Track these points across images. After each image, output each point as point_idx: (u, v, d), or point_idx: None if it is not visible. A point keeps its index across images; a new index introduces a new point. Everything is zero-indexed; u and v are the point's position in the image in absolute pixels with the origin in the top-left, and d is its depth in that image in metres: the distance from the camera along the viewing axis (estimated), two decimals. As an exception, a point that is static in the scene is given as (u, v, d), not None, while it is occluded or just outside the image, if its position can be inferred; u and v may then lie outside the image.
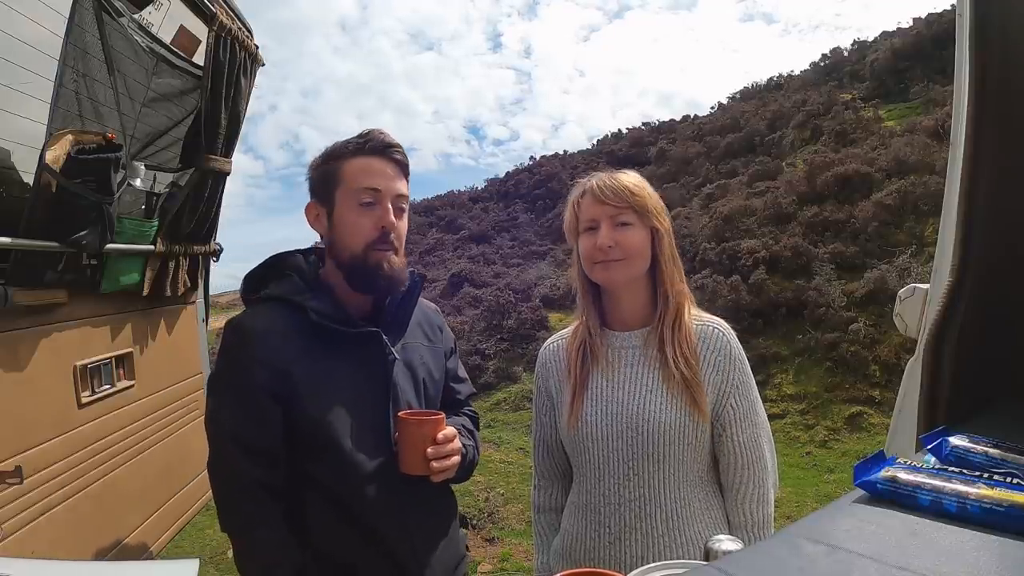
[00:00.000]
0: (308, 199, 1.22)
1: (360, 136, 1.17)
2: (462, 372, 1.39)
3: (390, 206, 1.14)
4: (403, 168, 1.18)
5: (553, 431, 1.29)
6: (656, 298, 1.21)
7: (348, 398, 1.13)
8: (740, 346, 1.21)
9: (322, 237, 1.21)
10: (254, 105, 2.53)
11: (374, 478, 1.12)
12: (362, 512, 1.13)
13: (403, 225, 1.18)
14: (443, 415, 1.15)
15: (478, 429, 1.37)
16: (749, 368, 1.21)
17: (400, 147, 1.18)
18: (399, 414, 1.14)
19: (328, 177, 1.16)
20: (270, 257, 1.24)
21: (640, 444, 1.14)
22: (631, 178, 1.20)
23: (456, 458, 1.15)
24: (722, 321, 1.22)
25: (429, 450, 1.10)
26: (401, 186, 1.17)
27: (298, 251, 1.25)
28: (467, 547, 1.37)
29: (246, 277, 1.24)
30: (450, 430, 1.15)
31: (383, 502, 1.13)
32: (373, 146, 1.15)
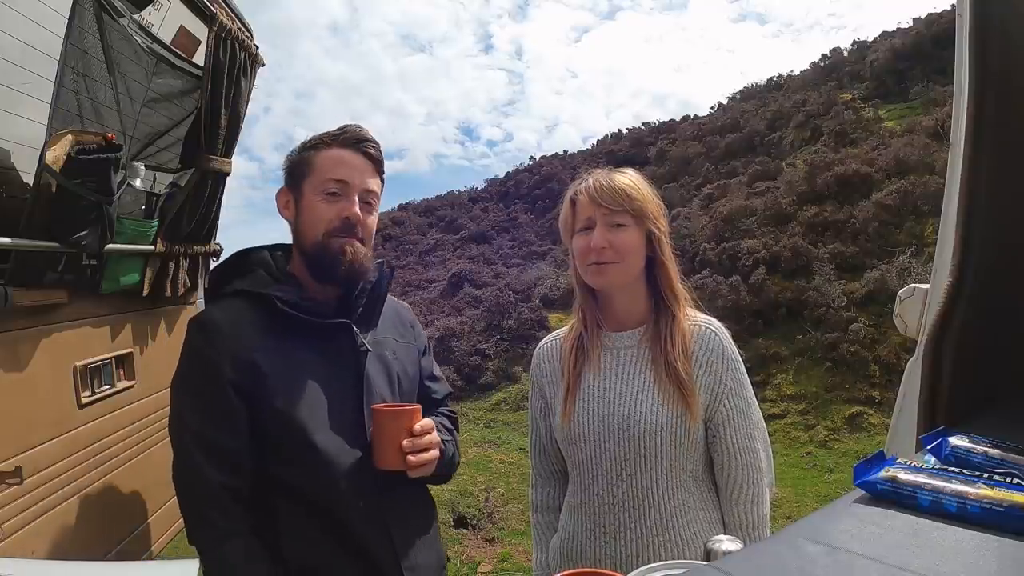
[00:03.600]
0: None
1: (337, 129, 1.17)
2: (437, 371, 1.36)
3: (356, 198, 1.14)
4: (375, 164, 1.18)
5: (548, 431, 1.29)
6: (650, 298, 1.21)
7: (318, 392, 1.10)
8: (734, 347, 1.20)
9: (290, 225, 1.20)
10: (248, 107, 2.52)
11: (349, 476, 1.08)
12: (338, 514, 1.08)
13: (371, 219, 1.17)
14: (419, 407, 1.12)
15: (457, 429, 1.34)
16: (744, 369, 1.20)
17: (374, 143, 1.17)
18: (373, 406, 1.11)
19: (300, 166, 1.16)
20: (235, 253, 1.22)
21: (631, 445, 1.14)
22: (628, 179, 1.18)
23: (434, 452, 1.11)
24: (716, 321, 1.22)
25: (405, 442, 1.06)
26: (371, 182, 1.16)
27: (264, 247, 1.22)
28: (448, 556, 1.33)
29: (211, 273, 1.22)
30: (427, 421, 1.12)
31: (359, 502, 1.09)
32: (347, 139, 1.15)
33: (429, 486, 1.27)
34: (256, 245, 1.22)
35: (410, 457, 1.07)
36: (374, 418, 1.09)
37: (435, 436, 1.13)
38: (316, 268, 1.15)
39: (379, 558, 1.11)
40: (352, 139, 1.15)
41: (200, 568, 1.20)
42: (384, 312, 1.24)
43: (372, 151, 1.17)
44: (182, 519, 1.10)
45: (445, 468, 1.20)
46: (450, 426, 1.30)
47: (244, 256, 1.20)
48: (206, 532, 1.05)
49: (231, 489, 1.05)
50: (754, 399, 1.21)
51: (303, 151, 1.17)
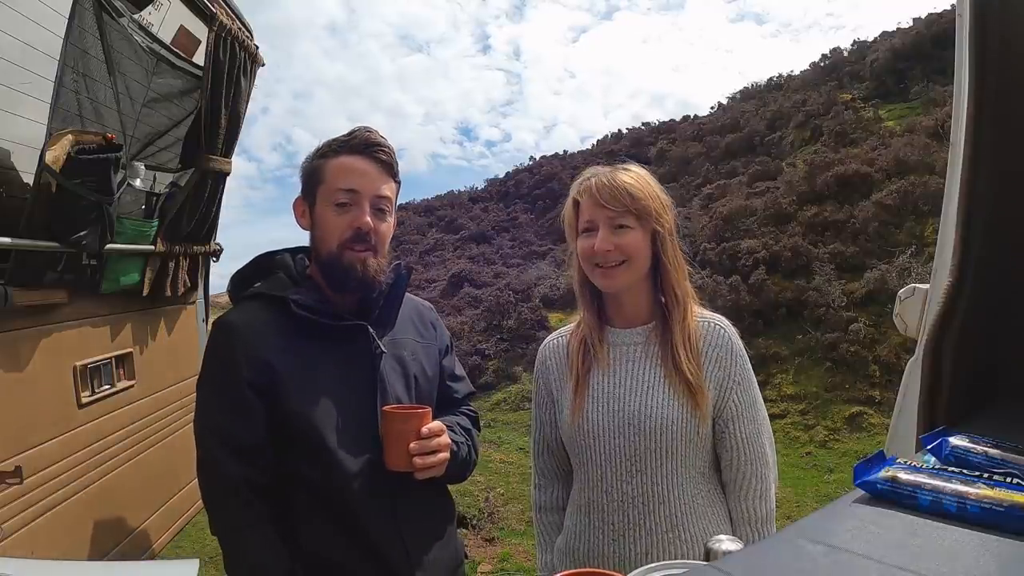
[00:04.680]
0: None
1: (347, 134, 1.17)
2: (459, 370, 1.36)
3: (367, 206, 1.13)
4: (387, 168, 1.17)
5: (554, 429, 1.28)
6: (657, 295, 1.20)
7: (333, 393, 1.12)
8: (741, 343, 1.21)
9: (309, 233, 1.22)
10: (248, 107, 2.52)
11: (361, 476, 1.10)
12: (350, 511, 1.11)
13: (385, 226, 1.17)
14: (429, 409, 1.13)
15: (477, 428, 1.35)
16: (750, 365, 1.21)
17: (385, 146, 1.16)
18: (383, 408, 1.12)
19: (312, 174, 1.17)
20: (257, 256, 1.24)
21: (642, 441, 1.14)
22: (632, 177, 1.17)
23: (443, 455, 1.12)
24: (724, 318, 1.23)
25: (412, 445, 1.08)
26: (384, 187, 1.16)
27: (286, 250, 1.25)
28: (466, 552, 1.34)
29: (234, 276, 1.24)
30: (436, 424, 1.13)
31: (370, 501, 1.11)
32: (355, 145, 1.15)
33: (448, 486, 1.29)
34: (279, 248, 1.25)
35: (416, 459, 1.08)
36: (384, 420, 1.11)
37: (445, 438, 1.14)
38: (330, 277, 1.17)
39: (390, 556, 1.13)
40: (361, 145, 1.14)
41: (200, 568, 1.21)
42: (404, 312, 1.25)
43: (383, 155, 1.16)
44: (204, 507, 1.16)
45: (458, 469, 1.21)
46: (468, 425, 1.31)
47: (266, 260, 1.23)
48: (225, 522, 1.10)
49: (250, 481, 1.09)
50: (760, 396, 1.22)
51: (315, 159, 1.18)
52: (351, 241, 1.12)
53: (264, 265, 1.22)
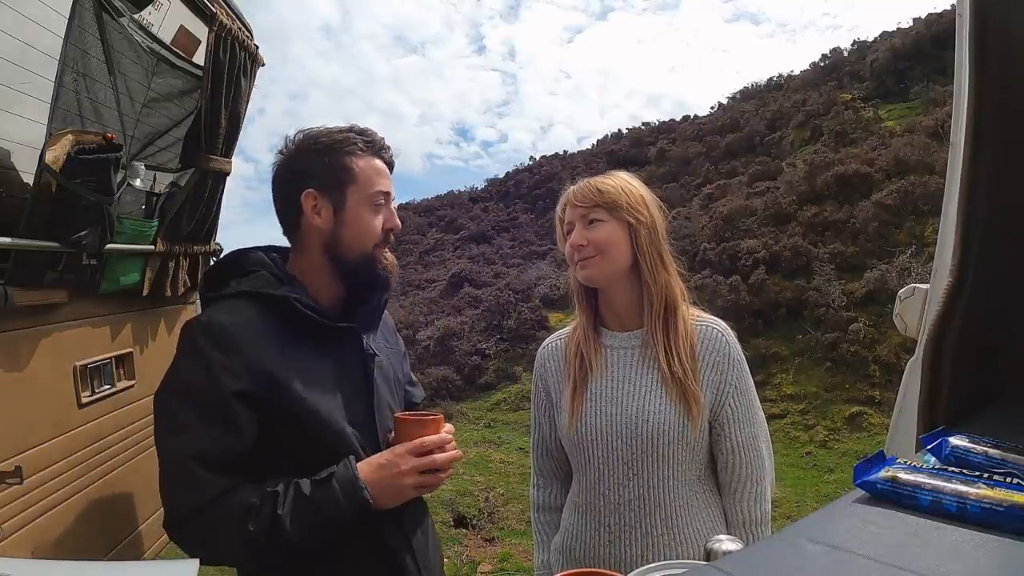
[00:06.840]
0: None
1: (361, 134, 1.14)
2: (413, 376, 1.38)
3: (393, 208, 1.16)
4: (391, 170, 1.20)
5: (552, 431, 1.29)
6: (649, 296, 1.21)
7: (331, 397, 1.08)
8: (739, 347, 1.21)
9: (311, 228, 1.12)
10: (248, 107, 2.52)
11: None
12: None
13: None
14: (442, 415, 1.14)
15: None
16: (747, 368, 1.22)
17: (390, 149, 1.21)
18: (398, 415, 1.12)
19: (339, 171, 1.11)
20: (230, 252, 1.18)
21: (639, 444, 1.14)
22: (607, 178, 1.22)
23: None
24: (721, 321, 1.23)
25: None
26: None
27: (259, 248, 1.18)
28: (442, 555, 1.35)
29: (206, 274, 1.19)
30: (450, 428, 1.14)
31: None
32: (379, 148, 1.15)
33: None
34: (250, 246, 1.19)
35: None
36: (403, 427, 1.10)
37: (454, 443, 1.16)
38: (356, 276, 1.13)
39: (400, 560, 1.12)
40: (381, 147, 1.16)
41: (200, 568, 1.20)
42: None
43: (391, 158, 1.19)
44: (171, 530, 1.11)
45: None
46: None
47: (240, 256, 1.16)
48: (202, 527, 1.04)
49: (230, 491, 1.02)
50: (757, 399, 1.23)
51: (332, 153, 1.11)
52: (383, 242, 1.14)
53: (239, 263, 1.14)
